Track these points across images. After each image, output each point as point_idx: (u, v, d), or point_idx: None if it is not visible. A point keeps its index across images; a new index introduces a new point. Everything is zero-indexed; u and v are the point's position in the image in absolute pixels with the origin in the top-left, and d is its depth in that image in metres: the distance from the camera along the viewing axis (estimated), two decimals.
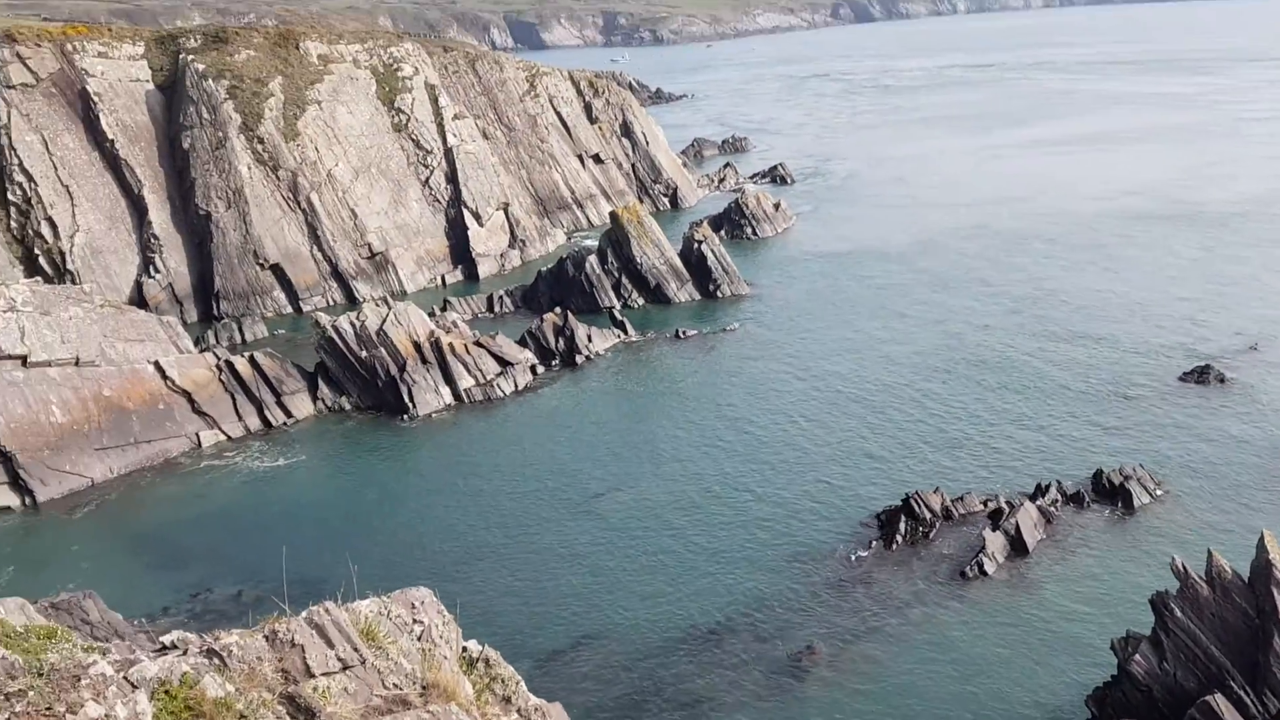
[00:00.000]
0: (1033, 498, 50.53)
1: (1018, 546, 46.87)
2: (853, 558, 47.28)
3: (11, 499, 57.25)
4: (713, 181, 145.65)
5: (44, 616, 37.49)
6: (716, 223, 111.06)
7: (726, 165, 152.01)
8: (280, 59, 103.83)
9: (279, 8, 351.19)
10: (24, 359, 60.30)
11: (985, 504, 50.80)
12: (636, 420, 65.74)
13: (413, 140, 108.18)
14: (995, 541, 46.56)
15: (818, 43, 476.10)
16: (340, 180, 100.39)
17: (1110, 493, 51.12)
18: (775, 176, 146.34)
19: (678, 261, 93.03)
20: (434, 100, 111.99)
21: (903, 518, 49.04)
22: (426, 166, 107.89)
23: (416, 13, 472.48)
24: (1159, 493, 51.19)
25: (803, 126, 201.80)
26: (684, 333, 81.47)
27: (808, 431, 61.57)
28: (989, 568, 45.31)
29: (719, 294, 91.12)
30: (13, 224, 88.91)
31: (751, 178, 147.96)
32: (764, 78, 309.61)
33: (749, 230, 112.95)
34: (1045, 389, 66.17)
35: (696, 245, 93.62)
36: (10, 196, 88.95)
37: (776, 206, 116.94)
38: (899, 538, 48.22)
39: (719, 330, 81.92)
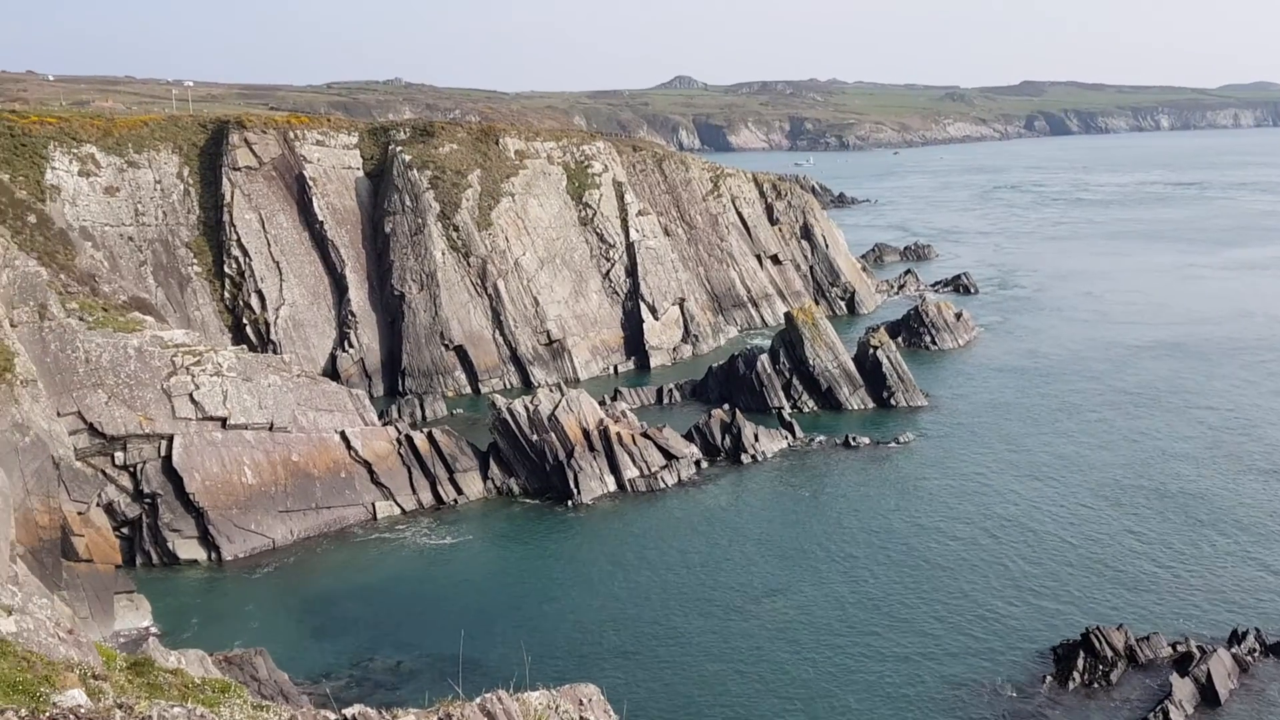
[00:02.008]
0: (1228, 644, 46.49)
1: (1208, 697, 43.03)
2: (1023, 694, 44.41)
3: (200, 553, 60.57)
4: (892, 287, 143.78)
5: (219, 669, 39.12)
6: (894, 329, 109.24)
7: (907, 272, 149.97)
8: (480, 153, 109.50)
9: (483, 105, 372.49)
10: (224, 421, 64.34)
11: (1174, 647, 47.00)
12: (799, 526, 64.38)
13: (597, 234, 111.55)
14: (1183, 689, 42.89)
15: (1010, 153, 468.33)
16: (526, 269, 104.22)
17: None
18: (958, 286, 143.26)
19: (851, 366, 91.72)
20: (620, 196, 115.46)
21: (1081, 654, 45.86)
22: (608, 259, 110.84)
23: (610, 113, 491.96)
24: None
25: (989, 236, 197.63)
26: (854, 440, 79.79)
27: (980, 553, 58.80)
28: (1175, 717, 41.68)
29: (893, 403, 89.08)
30: (226, 294, 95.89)
31: (933, 286, 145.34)
32: (951, 186, 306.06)
33: (928, 339, 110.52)
34: (1245, 526, 61.29)
35: (872, 351, 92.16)
36: (227, 269, 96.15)
37: (958, 316, 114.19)
38: (1076, 675, 45.05)
39: (891, 441, 79.84)
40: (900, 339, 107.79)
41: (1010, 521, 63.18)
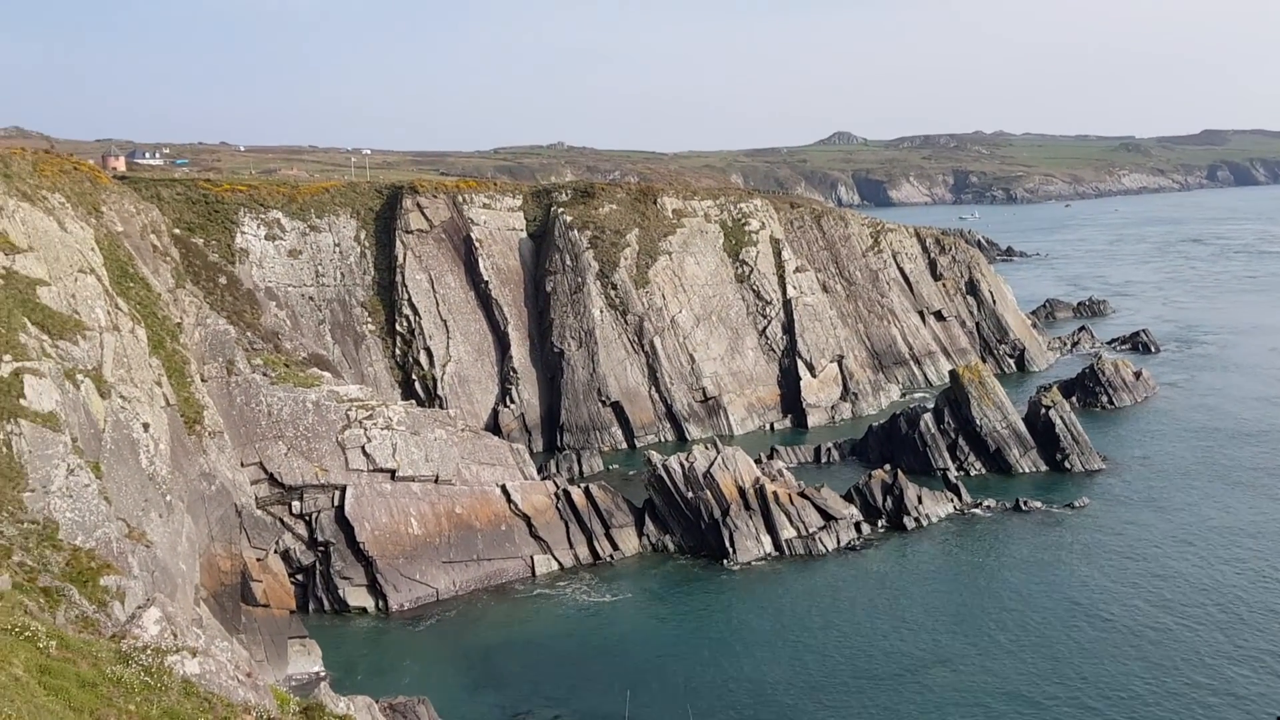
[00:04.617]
0: None
1: None
2: None
3: (368, 601, 62.49)
4: (1065, 345, 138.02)
5: (385, 717, 39.93)
6: (1068, 388, 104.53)
7: (1081, 329, 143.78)
8: (639, 212, 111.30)
9: (641, 165, 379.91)
10: (393, 473, 66.57)
11: None
12: (966, 595, 61.65)
13: (754, 291, 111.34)
14: None
15: (1189, 204, 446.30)
16: (682, 326, 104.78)
17: None
18: (1136, 343, 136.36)
19: (1022, 427, 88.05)
20: (777, 253, 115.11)
21: None
22: (765, 316, 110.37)
23: (767, 170, 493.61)
24: None
25: (1169, 292, 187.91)
26: (1026, 504, 76.28)
27: (1165, 627, 54.94)
28: None
29: (1067, 465, 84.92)
30: (397, 351, 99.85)
31: (1109, 343, 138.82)
32: (1126, 239, 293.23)
33: (1104, 398, 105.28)
34: None
35: (1044, 411, 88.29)
36: (398, 327, 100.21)
37: (1137, 375, 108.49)
38: None
39: (1065, 505, 75.96)
40: (1074, 398, 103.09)
41: (1199, 594, 58.88)
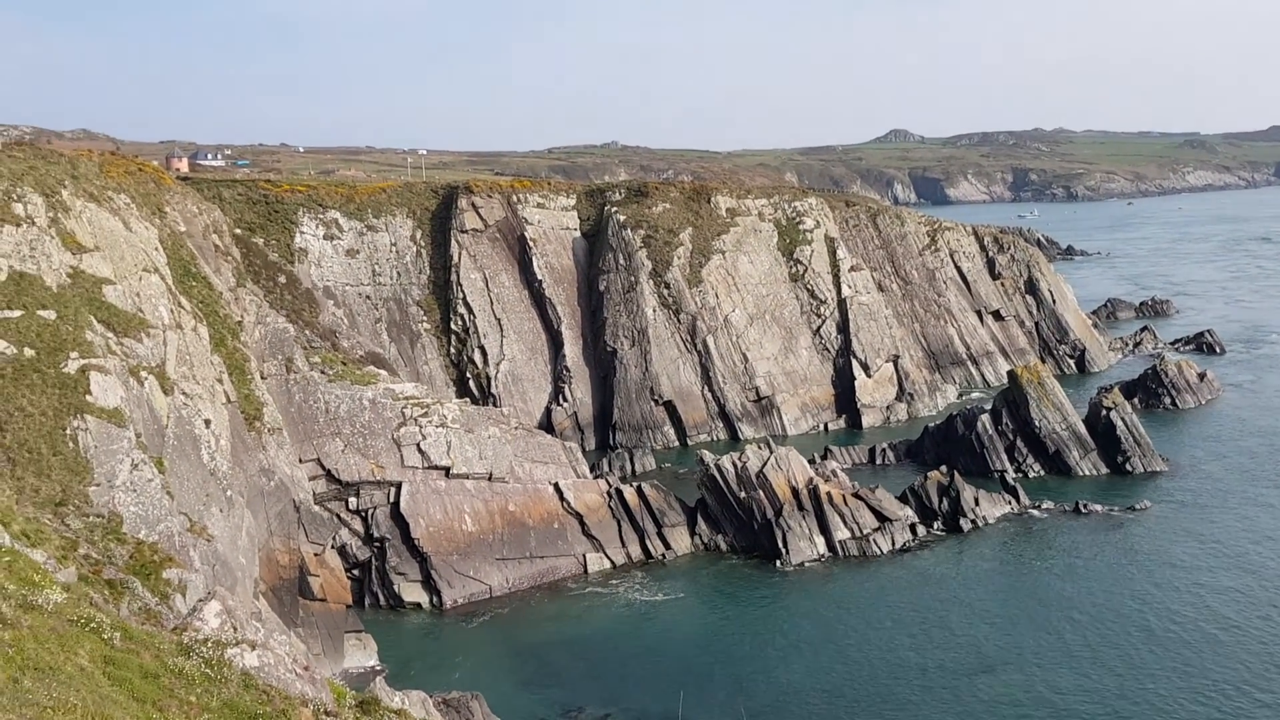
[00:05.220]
0: None
1: None
2: None
3: (422, 597, 63.09)
4: (1127, 345, 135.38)
5: (439, 712, 40.29)
6: (1129, 390, 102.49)
7: (1144, 329, 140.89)
8: (692, 211, 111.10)
9: (695, 164, 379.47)
10: (447, 470, 67.15)
11: None
12: (1024, 599, 60.66)
13: (808, 290, 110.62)
14: None
15: (1257, 202, 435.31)
16: (735, 325, 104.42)
17: None
18: (1200, 344, 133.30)
19: (1082, 428, 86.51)
20: (832, 252, 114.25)
21: None
22: (819, 316, 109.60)
23: (822, 169, 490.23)
24: None
25: (1234, 291, 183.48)
26: (1085, 507, 74.94)
27: (1232, 639, 53.59)
28: None
29: (1128, 467, 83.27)
30: (452, 350, 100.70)
31: (1173, 344, 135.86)
32: (1191, 238, 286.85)
33: (1167, 400, 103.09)
34: None
35: (1105, 412, 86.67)
36: (453, 325, 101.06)
37: (1201, 376, 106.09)
38: None
39: (1127, 508, 74.50)
40: (1136, 400, 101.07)
41: (1267, 603, 57.37)
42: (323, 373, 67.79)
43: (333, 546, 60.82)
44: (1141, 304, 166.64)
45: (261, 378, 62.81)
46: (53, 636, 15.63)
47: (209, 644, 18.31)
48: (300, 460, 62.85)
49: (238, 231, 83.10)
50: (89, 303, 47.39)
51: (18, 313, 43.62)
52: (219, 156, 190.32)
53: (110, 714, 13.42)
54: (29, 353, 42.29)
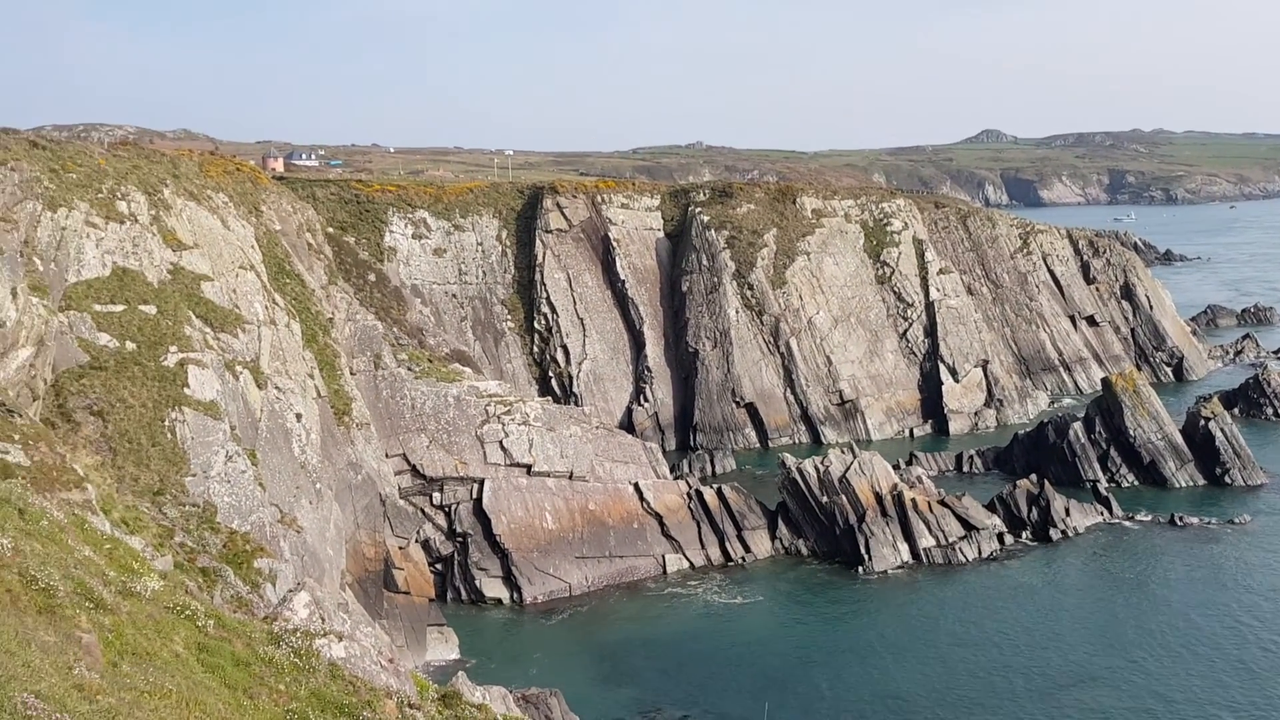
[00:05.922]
0: None
1: None
2: None
3: (503, 593, 63.73)
4: (1227, 353, 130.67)
5: (518, 708, 40.69)
6: (1229, 399, 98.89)
7: (1245, 337, 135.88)
8: (777, 212, 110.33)
9: (781, 165, 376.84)
10: (529, 468, 67.73)
11: None
12: (1115, 612, 58.90)
13: (894, 293, 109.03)
14: None
15: None
16: (819, 327, 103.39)
17: None
18: None
19: (1178, 438, 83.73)
20: (920, 254, 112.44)
21: None
22: (905, 319, 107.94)
23: (911, 170, 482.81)
24: None
25: None
26: (1181, 519, 72.51)
27: None
28: None
29: (1227, 479, 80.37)
30: (535, 348, 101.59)
31: (1276, 352, 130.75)
32: None
33: (1270, 410, 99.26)
34: None
35: (1204, 422, 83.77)
36: (536, 325, 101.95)
37: None
38: None
39: (1226, 521, 71.89)
40: (1237, 409, 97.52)
41: None
42: (409, 369, 68.92)
43: (417, 540, 61.80)
44: (1243, 311, 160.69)
45: (351, 374, 64.12)
46: (150, 623, 16.09)
47: (298, 634, 18.68)
48: (386, 455, 64.01)
49: (330, 230, 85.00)
50: (188, 298, 48.91)
51: (120, 307, 45.22)
52: (313, 156, 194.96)
53: (203, 700, 13.76)
54: (130, 346, 43.80)
